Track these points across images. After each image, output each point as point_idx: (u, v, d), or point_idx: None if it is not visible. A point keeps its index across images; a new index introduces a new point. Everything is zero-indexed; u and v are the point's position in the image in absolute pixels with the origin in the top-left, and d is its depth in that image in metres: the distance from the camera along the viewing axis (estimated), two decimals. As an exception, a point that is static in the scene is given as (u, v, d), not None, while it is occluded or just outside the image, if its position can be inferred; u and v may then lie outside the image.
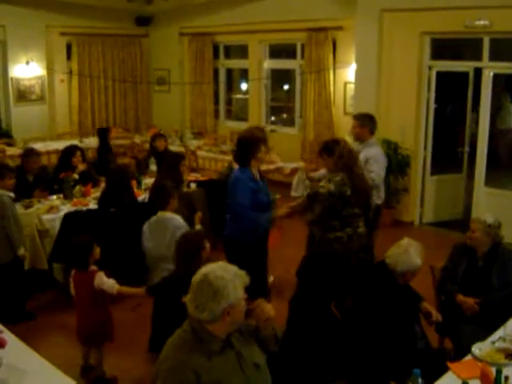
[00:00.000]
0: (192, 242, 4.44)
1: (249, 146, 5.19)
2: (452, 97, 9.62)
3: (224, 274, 2.76)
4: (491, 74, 8.27)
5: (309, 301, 3.46)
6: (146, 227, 5.67)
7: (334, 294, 3.48)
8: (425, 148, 9.26)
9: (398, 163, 9.07)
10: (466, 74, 9.07)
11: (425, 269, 4.43)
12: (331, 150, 5.23)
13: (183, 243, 4.46)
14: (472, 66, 8.84)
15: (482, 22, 8.04)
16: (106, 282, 4.75)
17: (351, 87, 10.08)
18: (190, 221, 6.38)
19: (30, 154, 7.60)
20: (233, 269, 2.83)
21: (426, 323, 4.32)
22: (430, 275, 4.96)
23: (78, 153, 8.06)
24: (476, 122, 9.12)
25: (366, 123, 6.51)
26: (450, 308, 4.62)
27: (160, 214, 5.61)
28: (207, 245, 4.50)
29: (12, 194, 5.97)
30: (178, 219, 5.59)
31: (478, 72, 8.59)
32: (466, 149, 9.44)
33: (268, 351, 3.08)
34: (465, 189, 9.61)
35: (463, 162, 9.55)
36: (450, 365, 3.53)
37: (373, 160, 6.26)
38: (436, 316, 4.22)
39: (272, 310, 3.07)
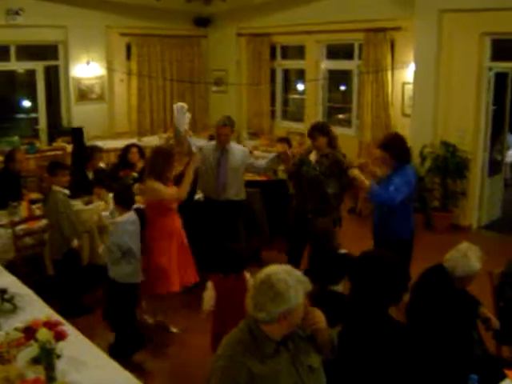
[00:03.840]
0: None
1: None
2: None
3: (287, 278, 2.73)
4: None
5: (363, 304, 3.30)
6: None
7: (390, 297, 3.37)
8: (484, 150, 9.12)
9: (456, 166, 8.94)
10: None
11: (483, 274, 4.35)
12: (323, 130, 6.10)
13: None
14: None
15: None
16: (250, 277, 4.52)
17: (409, 88, 9.97)
18: (248, 222, 6.48)
19: (95, 150, 7.88)
20: (297, 274, 2.81)
21: (483, 329, 4.25)
22: (488, 281, 4.87)
23: (134, 149, 8.22)
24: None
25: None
26: (509, 315, 4.53)
27: None
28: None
29: (67, 191, 6.15)
30: None
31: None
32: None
33: (324, 358, 3.02)
34: (501, 189, 10.03)
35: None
36: (507, 372, 3.47)
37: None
38: (494, 322, 4.15)
39: (322, 321, 2.99)
